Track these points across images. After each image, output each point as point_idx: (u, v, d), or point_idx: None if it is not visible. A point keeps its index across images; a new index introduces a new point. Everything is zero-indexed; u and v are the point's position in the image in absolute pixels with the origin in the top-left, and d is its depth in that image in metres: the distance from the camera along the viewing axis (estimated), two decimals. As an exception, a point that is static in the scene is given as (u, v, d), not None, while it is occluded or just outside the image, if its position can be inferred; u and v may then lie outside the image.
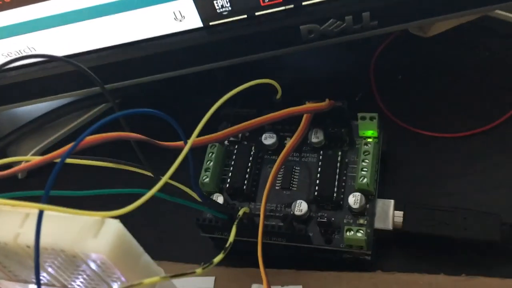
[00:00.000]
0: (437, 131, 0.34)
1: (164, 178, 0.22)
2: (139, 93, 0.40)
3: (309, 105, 0.28)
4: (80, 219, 0.19)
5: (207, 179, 0.31)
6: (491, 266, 0.28)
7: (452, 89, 0.35)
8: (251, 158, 0.32)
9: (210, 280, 0.31)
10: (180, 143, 0.24)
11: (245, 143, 0.33)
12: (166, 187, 0.25)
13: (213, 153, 0.32)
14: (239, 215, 0.26)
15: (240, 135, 0.34)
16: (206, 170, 0.32)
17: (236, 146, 0.32)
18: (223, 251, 0.23)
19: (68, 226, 0.19)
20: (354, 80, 0.38)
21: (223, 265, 0.31)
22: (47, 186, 0.19)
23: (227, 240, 0.29)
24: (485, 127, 0.33)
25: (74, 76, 0.33)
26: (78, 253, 0.19)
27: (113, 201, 0.21)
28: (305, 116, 0.28)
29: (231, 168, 0.32)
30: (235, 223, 0.26)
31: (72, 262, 0.20)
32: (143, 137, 0.24)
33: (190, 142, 0.23)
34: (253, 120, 0.27)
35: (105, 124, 0.21)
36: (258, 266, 0.27)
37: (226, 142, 0.34)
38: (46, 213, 0.18)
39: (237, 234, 0.30)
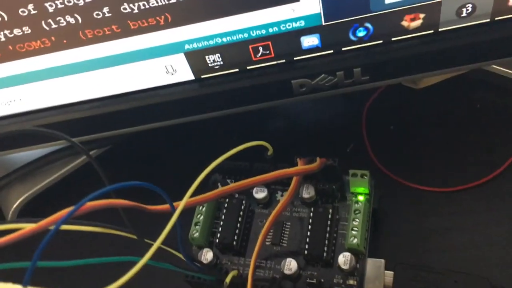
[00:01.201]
0: (429, 185, 0.33)
1: (156, 244, 0.22)
2: (132, 139, 0.40)
3: (299, 168, 0.28)
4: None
5: (197, 234, 0.31)
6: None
7: (444, 142, 0.35)
8: (241, 213, 0.32)
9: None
10: (167, 206, 0.24)
11: (236, 195, 0.33)
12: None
13: (203, 206, 0.32)
14: (226, 282, 0.26)
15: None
16: (196, 224, 0.31)
17: (227, 200, 0.32)
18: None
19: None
20: (346, 129, 0.38)
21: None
22: (34, 259, 0.19)
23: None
24: (477, 181, 0.33)
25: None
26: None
27: (100, 271, 0.21)
28: (295, 178, 0.28)
29: (221, 223, 0.31)
30: (222, 293, 0.25)
31: None
32: (131, 203, 0.24)
33: (178, 210, 0.23)
34: (244, 182, 0.27)
35: (96, 197, 0.21)
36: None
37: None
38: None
39: (227, 292, 0.30)
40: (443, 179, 0.33)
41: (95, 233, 0.24)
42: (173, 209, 0.23)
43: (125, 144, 0.40)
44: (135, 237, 0.24)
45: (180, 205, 0.23)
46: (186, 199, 0.23)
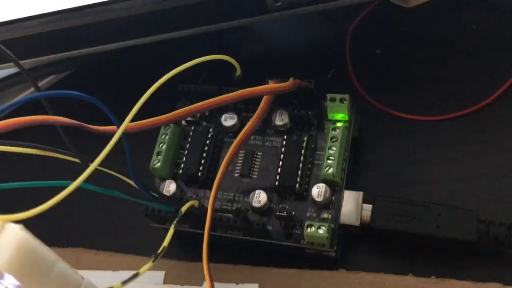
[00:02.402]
0: (416, 113, 0.30)
1: (92, 166, 0.19)
2: (94, 62, 0.37)
3: (269, 86, 0.25)
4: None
5: (159, 164, 0.28)
6: (465, 267, 0.25)
7: (434, 67, 0.32)
8: (208, 141, 0.29)
9: (160, 274, 0.28)
10: (114, 128, 0.21)
11: (204, 123, 0.30)
12: (102, 177, 0.22)
13: (166, 134, 0.29)
14: (181, 211, 0.23)
15: (198, 114, 0.30)
16: (158, 154, 0.28)
17: (192, 127, 0.29)
18: (152, 259, 0.20)
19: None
20: (328, 53, 0.34)
21: (175, 258, 0.29)
22: None
23: (180, 231, 0.27)
24: (467, 109, 0.30)
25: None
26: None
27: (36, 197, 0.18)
28: (264, 98, 0.25)
29: (186, 152, 0.29)
30: (174, 223, 0.23)
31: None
32: (70, 121, 0.20)
33: (122, 127, 0.20)
34: (203, 103, 0.24)
35: (13, 106, 0.18)
36: (214, 261, 0.24)
37: (183, 122, 0.30)
38: None
39: (190, 226, 0.28)
40: (431, 108, 0.30)
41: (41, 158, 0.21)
42: (118, 126, 0.20)
43: (91, 68, 0.37)
44: (78, 160, 0.21)
45: (123, 124, 0.19)
46: (130, 117, 0.20)
